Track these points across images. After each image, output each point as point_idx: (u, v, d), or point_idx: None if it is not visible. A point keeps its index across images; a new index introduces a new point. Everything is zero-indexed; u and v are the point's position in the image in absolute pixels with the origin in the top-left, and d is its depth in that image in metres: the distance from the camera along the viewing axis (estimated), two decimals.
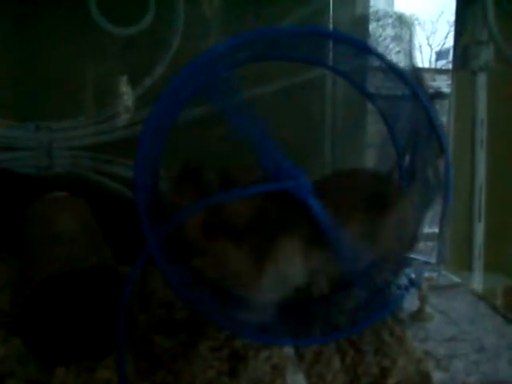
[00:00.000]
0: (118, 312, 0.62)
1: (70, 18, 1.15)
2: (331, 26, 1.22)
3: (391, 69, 0.70)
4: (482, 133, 1.12)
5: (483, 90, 1.11)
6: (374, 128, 1.26)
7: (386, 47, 1.26)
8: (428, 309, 0.87)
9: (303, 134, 1.18)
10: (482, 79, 1.10)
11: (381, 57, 0.70)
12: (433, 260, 1.05)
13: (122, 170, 1.16)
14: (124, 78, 1.20)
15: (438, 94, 1.15)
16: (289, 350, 0.67)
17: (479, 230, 1.13)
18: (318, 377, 0.64)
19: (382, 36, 1.15)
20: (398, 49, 0.94)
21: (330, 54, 0.82)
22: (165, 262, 0.67)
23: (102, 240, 0.83)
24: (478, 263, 1.12)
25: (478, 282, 1.09)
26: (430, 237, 1.15)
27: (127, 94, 1.20)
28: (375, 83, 0.84)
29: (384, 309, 0.70)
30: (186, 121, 1.01)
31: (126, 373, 0.60)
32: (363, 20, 1.21)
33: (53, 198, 0.97)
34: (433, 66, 1.96)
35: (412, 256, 1.04)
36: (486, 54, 1.09)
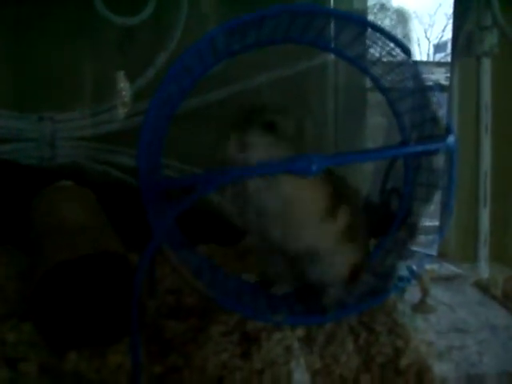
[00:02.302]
0: (127, 298, 0.62)
1: (73, 8, 1.15)
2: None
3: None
4: (486, 118, 1.11)
5: (487, 76, 1.10)
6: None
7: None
8: (430, 300, 0.87)
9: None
10: (486, 64, 1.10)
11: (383, 32, 0.70)
12: (434, 252, 1.06)
13: (124, 158, 1.16)
14: (125, 70, 1.20)
15: (437, 86, 1.16)
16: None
17: (485, 216, 1.12)
18: (331, 358, 0.64)
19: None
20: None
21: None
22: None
23: (109, 227, 0.82)
24: (484, 251, 1.11)
25: (483, 272, 1.08)
26: (432, 230, 1.15)
27: (128, 85, 1.19)
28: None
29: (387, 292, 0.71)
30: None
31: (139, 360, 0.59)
32: (362, 13, 1.22)
33: (59, 187, 0.97)
34: (431, 59, 1.97)
35: (413, 248, 1.06)
36: (491, 39, 1.08)
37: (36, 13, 1.15)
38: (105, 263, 0.70)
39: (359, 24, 0.71)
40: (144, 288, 0.75)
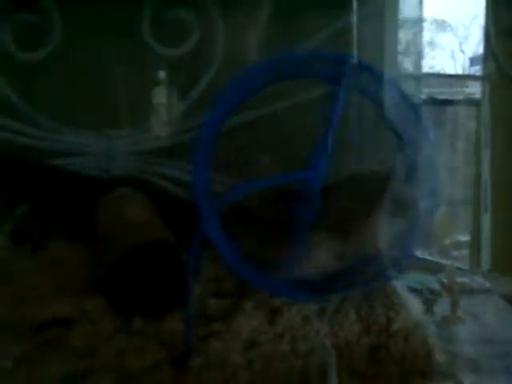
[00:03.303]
0: (178, 277, 0.80)
1: (125, 39, 1.35)
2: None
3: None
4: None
5: None
6: None
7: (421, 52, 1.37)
8: (459, 312, 0.95)
9: None
10: None
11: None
12: (466, 266, 1.18)
13: (171, 171, 1.34)
14: (173, 93, 1.40)
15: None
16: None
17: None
18: (338, 325, 0.82)
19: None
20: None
21: None
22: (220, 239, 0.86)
23: (163, 224, 1.01)
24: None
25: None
26: (464, 244, 1.27)
27: (174, 106, 1.39)
28: None
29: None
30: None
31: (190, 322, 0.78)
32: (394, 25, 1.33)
33: (119, 192, 1.17)
34: (466, 72, 2.05)
35: (444, 261, 1.19)
36: None
37: (94, 42, 1.34)
38: (162, 250, 0.89)
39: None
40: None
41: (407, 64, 1.31)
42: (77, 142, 1.35)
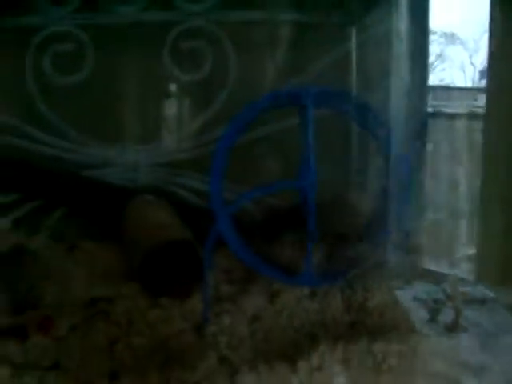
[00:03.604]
0: (198, 267, 1.01)
1: (150, 66, 1.56)
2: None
3: None
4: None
5: None
6: None
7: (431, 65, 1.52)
8: (462, 321, 1.00)
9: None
10: None
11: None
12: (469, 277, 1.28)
13: (190, 181, 1.52)
14: (189, 111, 1.60)
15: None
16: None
17: None
18: (327, 304, 1.03)
19: None
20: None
21: None
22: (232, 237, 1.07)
23: (184, 226, 1.22)
24: None
25: None
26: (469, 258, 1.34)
27: (192, 124, 1.59)
28: None
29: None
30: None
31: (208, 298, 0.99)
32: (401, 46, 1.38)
33: (144, 199, 1.38)
34: (476, 85, 2.02)
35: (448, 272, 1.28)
36: None
37: (125, 71, 1.55)
38: (182, 246, 1.11)
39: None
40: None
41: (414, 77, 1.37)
42: (106, 155, 1.55)
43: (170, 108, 1.61)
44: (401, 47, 1.37)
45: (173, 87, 1.61)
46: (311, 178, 1.04)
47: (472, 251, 1.30)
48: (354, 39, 1.59)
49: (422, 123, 1.37)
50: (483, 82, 1.47)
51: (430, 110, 1.43)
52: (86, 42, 1.50)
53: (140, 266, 1.07)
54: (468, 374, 0.84)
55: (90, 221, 1.51)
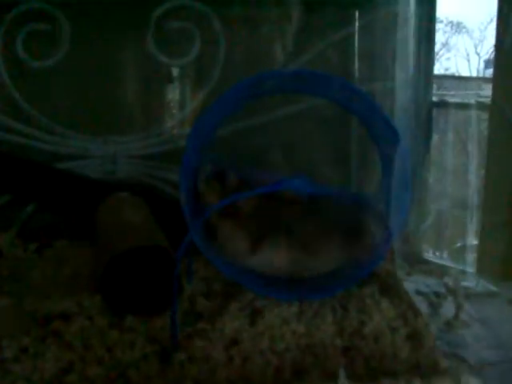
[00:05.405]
0: (170, 279, 0.87)
1: (130, 51, 1.42)
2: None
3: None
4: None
5: None
6: None
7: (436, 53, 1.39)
8: (464, 316, 0.97)
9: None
10: None
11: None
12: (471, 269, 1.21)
13: (172, 175, 1.41)
14: (173, 102, 1.47)
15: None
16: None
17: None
18: (315, 327, 0.89)
19: None
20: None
21: None
22: (203, 244, 0.93)
23: (158, 228, 1.08)
24: None
25: None
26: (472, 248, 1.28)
27: (176, 113, 1.46)
28: None
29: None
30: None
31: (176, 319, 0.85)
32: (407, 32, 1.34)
33: (118, 196, 1.24)
34: (481, 75, 2.07)
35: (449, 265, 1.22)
36: None
37: (101, 56, 1.41)
38: (153, 253, 0.96)
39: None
40: (183, 276, 1.02)
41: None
42: (85, 147, 1.43)
43: (154, 97, 1.48)
44: (407, 32, 1.33)
45: (156, 73, 1.46)
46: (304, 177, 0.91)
47: (474, 242, 1.26)
48: (356, 22, 1.45)
49: (427, 112, 1.34)
50: (488, 72, 1.58)
51: (434, 99, 1.38)
52: (62, 22, 1.37)
53: (102, 277, 0.94)
54: None
55: (64, 217, 1.39)
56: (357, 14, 1.44)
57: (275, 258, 0.97)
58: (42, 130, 1.41)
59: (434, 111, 1.37)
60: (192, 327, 0.89)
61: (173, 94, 1.48)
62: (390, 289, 1.00)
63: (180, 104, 1.46)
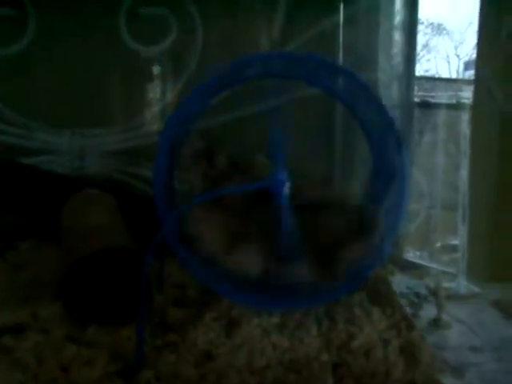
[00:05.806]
0: (138, 285, 0.77)
1: (102, 38, 1.32)
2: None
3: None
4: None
5: None
6: None
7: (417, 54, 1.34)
8: (445, 317, 0.95)
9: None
10: None
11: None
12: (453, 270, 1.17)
13: (143, 170, 1.32)
14: (148, 93, 1.37)
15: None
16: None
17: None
18: (298, 340, 0.79)
19: None
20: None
21: None
22: (177, 244, 0.83)
23: (124, 228, 0.99)
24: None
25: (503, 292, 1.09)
26: (453, 248, 1.25)
27: (150, 107, 1.37)
28: None
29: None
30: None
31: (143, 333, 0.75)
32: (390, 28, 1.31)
33: (85, 194, 1.14)
34: (460, 77, 1.98)
35: (431, 265, 1.17)
36: None
37: (71, 43, 1.32)
38: (120, 256, 0.87)
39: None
40: (153, 282, 0.92)
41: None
42: (49, 140, 1.33)
43: (127, 88, 1.38)
44: (390, 24, 1.32)
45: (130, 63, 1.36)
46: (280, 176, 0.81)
47: (455, 242, 1.25)
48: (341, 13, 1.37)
49: (408, 112, 1.31)
50: (467, 74, 1.52)
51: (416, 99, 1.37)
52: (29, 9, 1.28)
53: (63, 282, 0.83)
54: None
55: (29, 216, 1.28)
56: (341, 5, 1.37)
57: (247, 261, 0.86)
58: (3, 122, 1.31)
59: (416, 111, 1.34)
60: (161, 339, 0.80)
61: (147, 85, 1.39)
62: (381, 296, 0.91)
63: (155, 96, 1.36)
